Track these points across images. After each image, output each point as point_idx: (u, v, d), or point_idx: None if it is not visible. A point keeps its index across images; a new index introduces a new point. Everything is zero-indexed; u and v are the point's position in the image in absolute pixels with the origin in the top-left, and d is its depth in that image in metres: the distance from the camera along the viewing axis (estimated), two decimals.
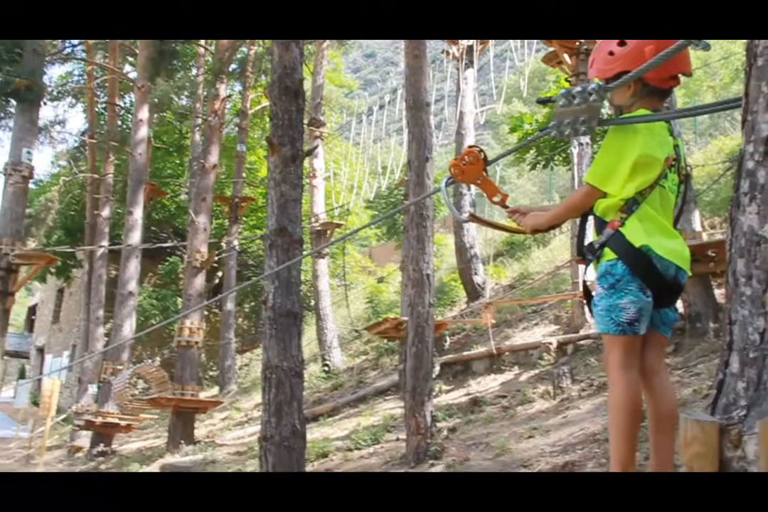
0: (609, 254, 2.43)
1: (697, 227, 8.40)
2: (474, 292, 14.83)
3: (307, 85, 19.28)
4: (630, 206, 2.42)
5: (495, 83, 17.44)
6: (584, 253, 2.56)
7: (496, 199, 2.83)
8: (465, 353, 12.06)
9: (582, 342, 10.16)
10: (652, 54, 2.29)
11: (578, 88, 2.25)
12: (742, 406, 1.54)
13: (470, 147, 2.85)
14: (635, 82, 2.47)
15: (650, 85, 2.52)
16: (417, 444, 7.55)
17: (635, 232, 2.39)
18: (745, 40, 1.75)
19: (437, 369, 11.20)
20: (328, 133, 20.08)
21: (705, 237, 8.84)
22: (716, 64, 28.19)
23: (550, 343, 10.32)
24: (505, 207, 2.85)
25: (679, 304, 9.67)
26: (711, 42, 2.17)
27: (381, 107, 21.62)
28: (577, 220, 2.73)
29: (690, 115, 2.47)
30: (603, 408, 7.03)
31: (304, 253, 14.86)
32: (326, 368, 16.04)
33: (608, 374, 2.55)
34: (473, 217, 3.12)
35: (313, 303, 17.83)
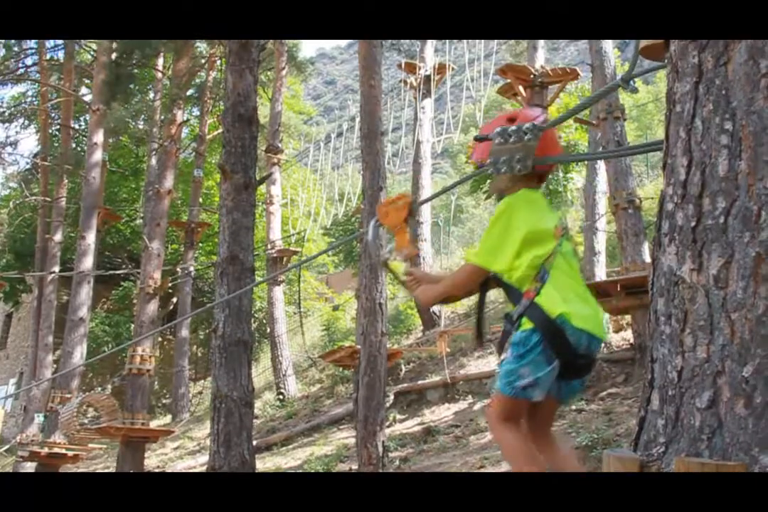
0: (526, 324, 2.44)
1: (647, 258, 8.57)
2: (430, 321, 14.87)
3: (266, 111, 19.43)
4: (542, 275, 2.46)
5: (452, 113, 17.70)
6: (503, 324, 2.60)
7: (404, 251, 2.84)
8: (419, 382, 12.05)
9: None
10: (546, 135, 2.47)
11: (513, 128, 2.30)
12: (661, 443, 1.57)
13: (404, 194, 2.95)
14: None
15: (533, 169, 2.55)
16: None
17: (552, 301, 2.42)
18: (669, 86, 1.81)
19: (391, 398, 11.16)
20: (286, 159, 20.09)
21: None
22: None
23: None
24: (408, 263, 2.91)
25: (629, 334, 9.81)
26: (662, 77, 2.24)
27: (339, 135, 21.76)
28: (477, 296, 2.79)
29: (616, 156, 2.55)
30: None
31: (259, 279, 14.77)
32: (281, 396, 15.86)
33: (490, 427, 2.66)
34: (385, 265, 3.07)
35: (268, 330, 17.68)
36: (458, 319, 15.05)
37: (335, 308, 16.91)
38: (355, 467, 8.19)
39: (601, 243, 12.53)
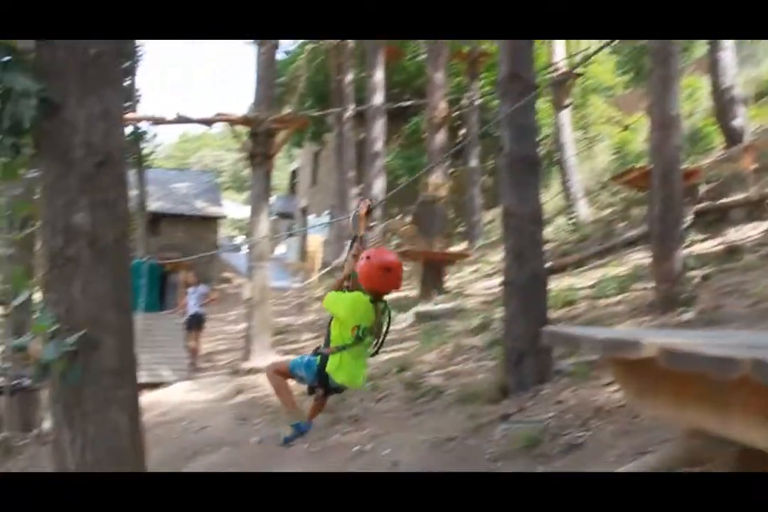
0: None
1: None
2: (732, 137, 13.56)
3: None
4: None
5: None
6: None
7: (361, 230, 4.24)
8: (721, 201, 11.27)
9: None
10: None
11: None
12: None
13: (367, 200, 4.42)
14: None
15: None
16: (666, 292, 7.40)
17: None
18: None
19: (690, 218, 10.63)
20: None
21: None
22: None
23: None
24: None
25: None
26: None
27: None
28: None
29: None
30: None
31: (542, 100, 14.34)
32: (572, 220, 15.85)
33: None
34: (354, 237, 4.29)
35: (556, 157, 17.43)
36: (766, 134, 13.58)
37: (626, 127, 16.06)
38: (651, 285, 8.09)
39: None
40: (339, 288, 4.05)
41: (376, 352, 4.03)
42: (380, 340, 3.97)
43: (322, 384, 3.96)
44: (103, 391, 2.95)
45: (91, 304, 2.96)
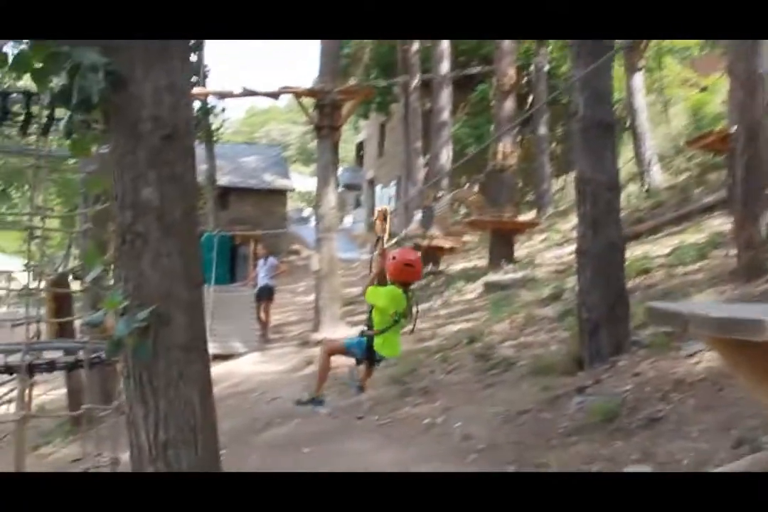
0: None
1: None
2: None
3: None
4: None
5: None
6: None
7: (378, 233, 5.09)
8: None
9: None
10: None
11: None
12: None
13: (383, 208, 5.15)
14: None
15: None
16: (750, 259, 7.08)
17: None
18: None
19: None
20: None
21: None
22: None
23: None
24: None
25: None
26: None
27: None
28: None
29: None
30: None
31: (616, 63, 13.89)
32: (646, 187, 15.36)
33: None
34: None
35: (628, 122, 16.86)
36: None
37: (703, 89, 15.41)
38: (733, 252, 7.75)
39: None
40: (372, 283, 5.03)
41: (413, 330, 5.29)
42: (414, 319, 5.08)
43: (369, 358, 5.02)
44: (173, 367, 2.94)
45: (160, 280, 2.94)
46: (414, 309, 5.00)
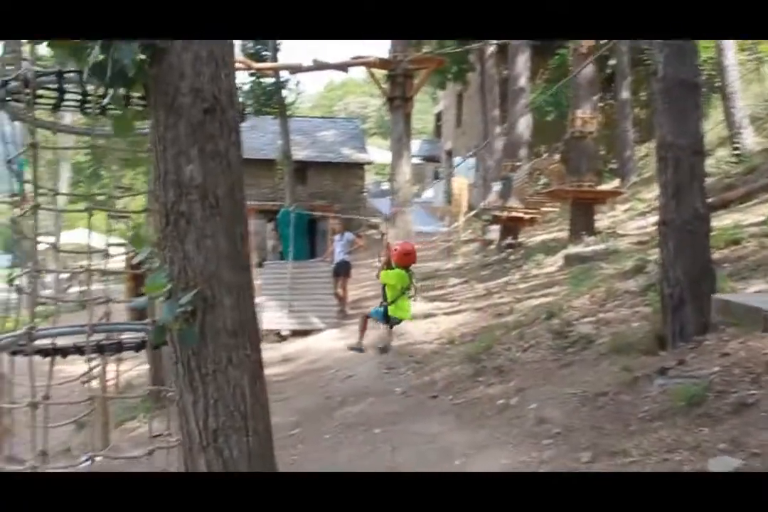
0: None
1: None
2: None
3: None
4: None
5: None
6: None
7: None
8: None
9: None
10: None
11: None
12: None
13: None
14: None
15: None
16: None
17: None
18: None
19: None
20: None
21: None
22: None
23: None
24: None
25: None
26: None
27: None
28: None
29: None
30: None
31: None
32: (736, 151, 14.51)
33: None
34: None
35: (716, 83, 15.95)
36: None
37: None
38: None
39: None
40: (382, 268, 6.94)
41: (413, 296, 7.02)
42: (414, 290, 6.95)
43: (387, 321, 6.97)
44: (221, 352, 2.83)
45: (205, 261, 2.82)
46: (413, 284, 6.89)
